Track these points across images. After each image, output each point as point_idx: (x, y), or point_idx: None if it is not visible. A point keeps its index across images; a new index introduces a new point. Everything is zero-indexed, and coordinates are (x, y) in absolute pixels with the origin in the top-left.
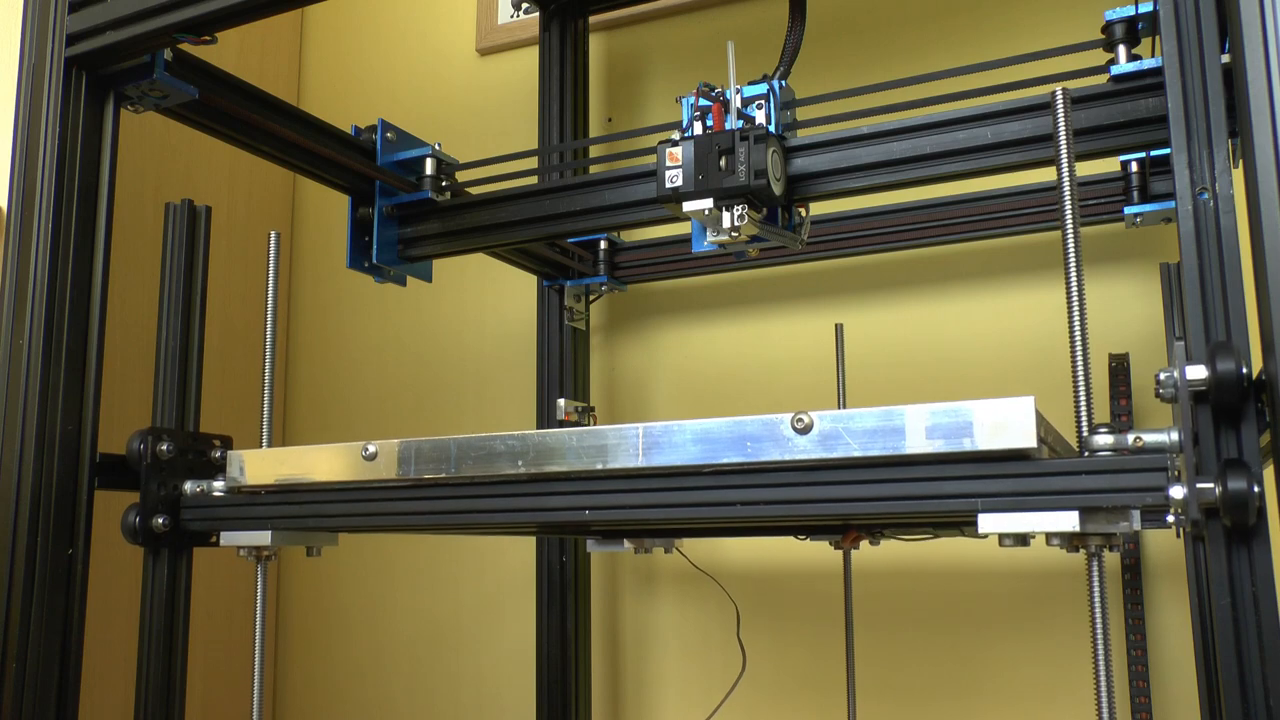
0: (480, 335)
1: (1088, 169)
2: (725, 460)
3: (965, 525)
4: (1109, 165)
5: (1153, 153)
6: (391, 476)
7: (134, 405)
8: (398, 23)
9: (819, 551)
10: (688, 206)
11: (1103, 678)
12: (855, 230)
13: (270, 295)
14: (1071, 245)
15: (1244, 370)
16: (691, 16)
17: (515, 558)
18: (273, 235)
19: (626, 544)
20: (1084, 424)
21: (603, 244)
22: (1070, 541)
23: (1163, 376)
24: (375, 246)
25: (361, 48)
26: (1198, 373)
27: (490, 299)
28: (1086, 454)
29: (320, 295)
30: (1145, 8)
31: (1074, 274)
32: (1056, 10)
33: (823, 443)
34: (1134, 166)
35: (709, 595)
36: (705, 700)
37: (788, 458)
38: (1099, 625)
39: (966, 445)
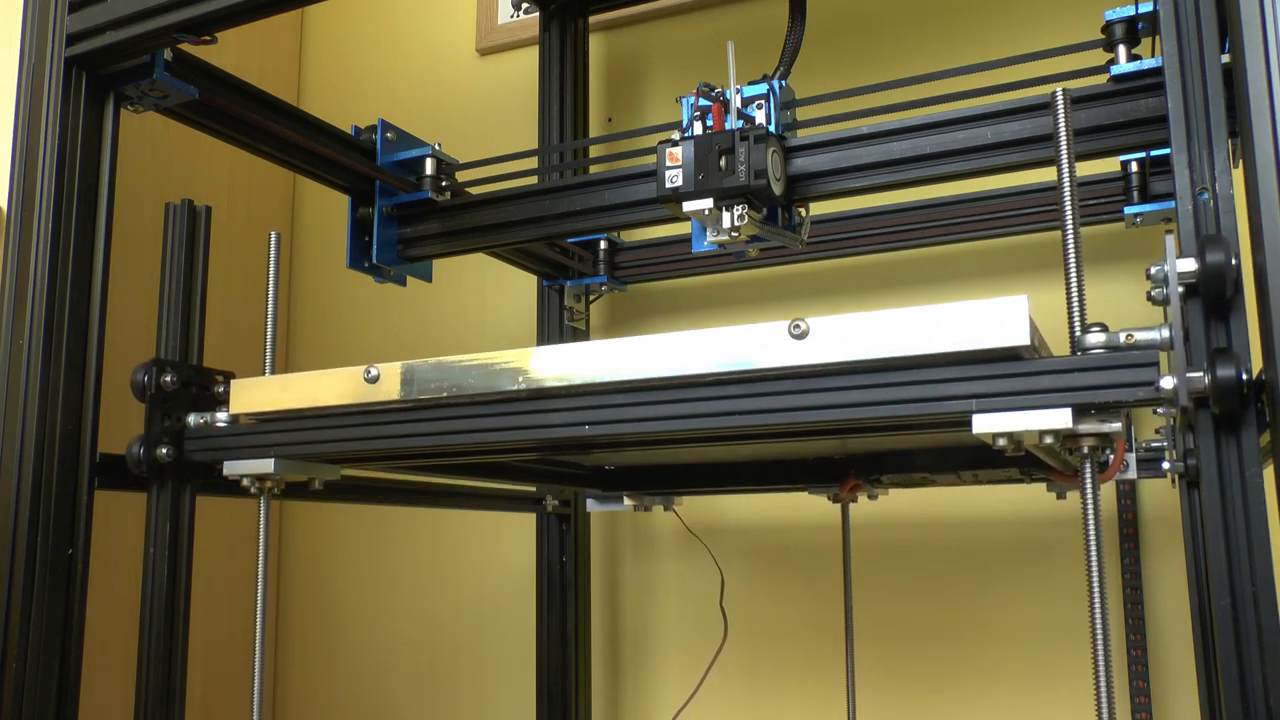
0: (480, 335)
1: (1088, 169)
2: (725, 369)
3: (962, 468)
4: (1109, 165)
5: (1153, 153)
6: (394, 398)
7: (134, 405)
8: (398, 23)
9: (817, 509)
10: (688, 206)
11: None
12: (855, 230)
13: (270, 295)
14: (1071, 245)
15: (1233, 261)
16: (691, 16)
17: (515, 558)
18: (273, 235)
19: (627, 501)
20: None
21: (603, 244)
22: (1064, 443)
23: (1153, 271)
24: (375, 246)
25: (361, 48)
26: (1187, 265)
27: (490, 299)
28: (1079, 353)
29: (320, 295)
30: (1145, 8)
31: (1074, 274)
32: (1056, 10)
33: (820, 348)
34: (1134, 166)
35: (708, 569)
36: (708, 688)
37: (786, 364)
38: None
39: (961, 345)
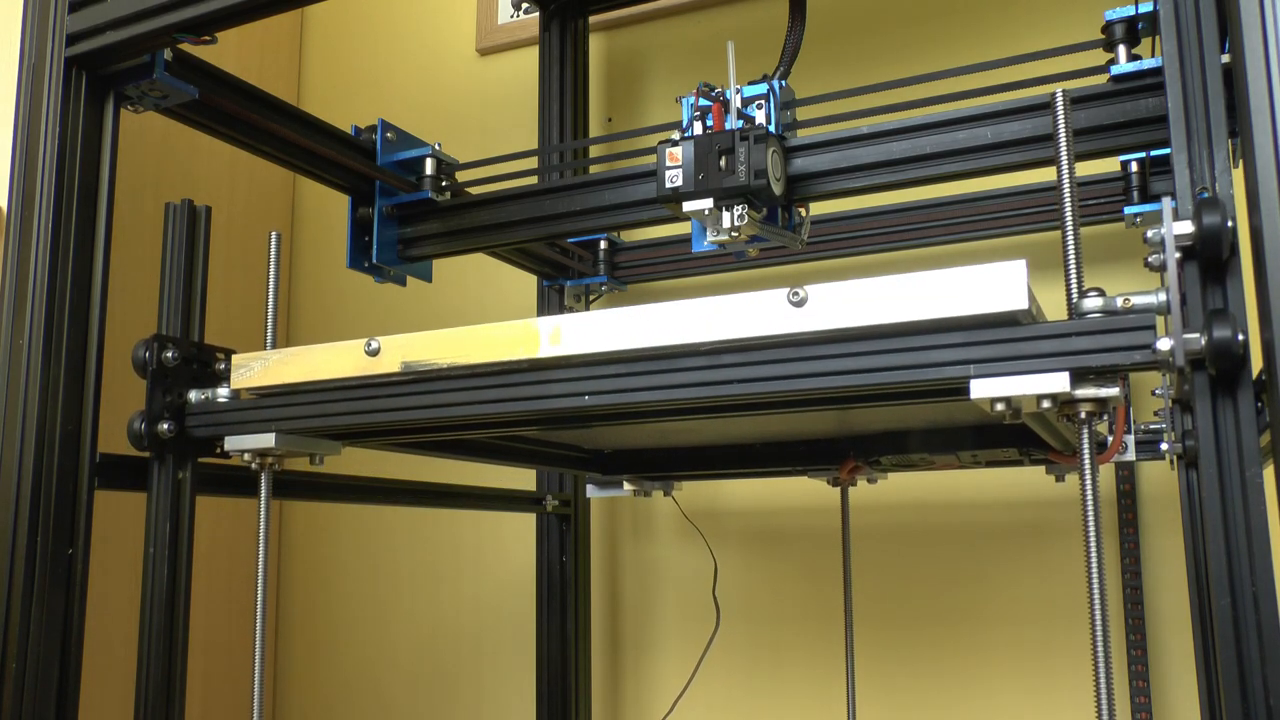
0: None
1: (1088, 169)
2: (724, 337)
3: (961, 449)
4: (1109, 165)
5: (1153, 153)
6: (395, 370)
7: (134, 405)
8: (397, 23)
9: (816, 492)
10: (688, 206)
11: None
12: (855, 230)
13: (270, 295)
14: (1071, 245)
15: (1229, 224)
16: (691, 16)
17: (515, 558)
18: (273, 235)
19: (626, 486)
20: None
21: (603, 244)
22: (1061, 409)
23: (1150, 235)
24: (375, 246)
25: (361, 48)
26: (1184, 228)
27: (490, 299)
28: (1076, 318)
29: (320, 295)
30: (1145, 8)
31: (1074, 274)
32: (1056, 10)
33: (819, 316)
34: (1134, 166)
35: (707, 555)
36: (708, 675)
37: (785, 331)
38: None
39: (960, 311)
